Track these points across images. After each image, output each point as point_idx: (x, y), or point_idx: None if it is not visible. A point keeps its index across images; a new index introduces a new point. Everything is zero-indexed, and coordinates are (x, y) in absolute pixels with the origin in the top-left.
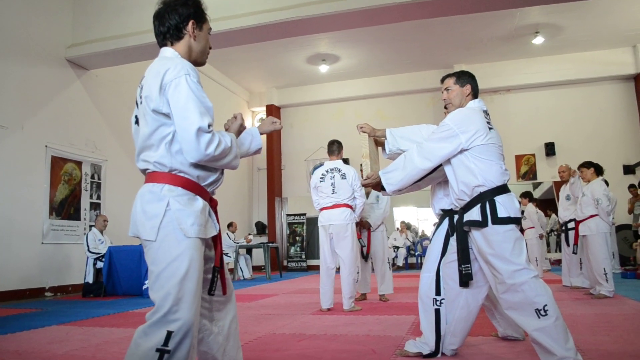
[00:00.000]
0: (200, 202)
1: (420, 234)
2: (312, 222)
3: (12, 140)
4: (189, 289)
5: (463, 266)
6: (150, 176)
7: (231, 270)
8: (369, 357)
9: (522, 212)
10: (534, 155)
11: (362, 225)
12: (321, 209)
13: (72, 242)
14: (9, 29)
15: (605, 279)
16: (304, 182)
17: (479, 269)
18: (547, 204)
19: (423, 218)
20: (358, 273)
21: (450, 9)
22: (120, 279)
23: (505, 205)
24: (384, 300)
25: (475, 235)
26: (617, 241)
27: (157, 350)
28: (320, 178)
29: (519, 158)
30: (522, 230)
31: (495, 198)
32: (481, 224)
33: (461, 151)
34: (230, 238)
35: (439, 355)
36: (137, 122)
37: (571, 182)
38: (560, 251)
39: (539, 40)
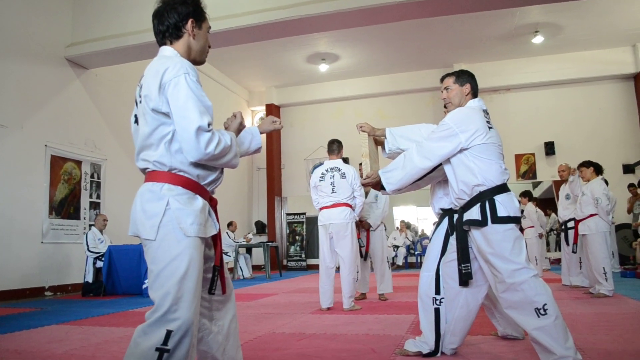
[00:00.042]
0: (200, 201)
1: (420, 233)
2: (312, 222)
3: (11, 139)
4: (189, 288)
5: (463, 265)
6: (150, 175)
7: (231, 270)
8: (369, 356)
9: (522, 211)
10: (533, 154)
11: (363, 226)
12: (321, 208)
13: (72, 241)
14: (9, 28)
15: (605, 278)
16: (304, 181)
17: (478, 268)
18: (547, 203)
19: (423, 217)
20: (358, 272)
21: (450, 8)
22: (120, 278)
23: (505, 205)
24: (383, 300)
25: (475, 235)
26: (617, 240)
27: (157, 349)
28: (320, 177)
29: (518, 157)
30: (521, 230)
31: (495, 197)
32: (481, 223)
33: (461, 150)
34: (230, 237)
35: (439, 354)
36: (136, 121)
37: (570, 180)
38: (559, 250)
39: (538, 39)
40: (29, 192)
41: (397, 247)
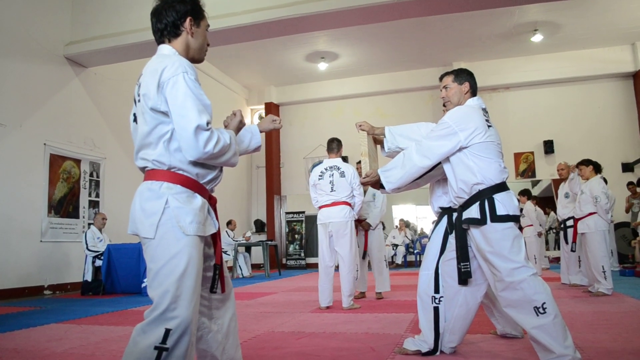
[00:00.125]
0: (199, 199)
1: (419, 232)
2: (311, 220)
3: (10, 138)
4: (188, 286)
5: (462, 264)
6: (149, 174)
7: (230, 269)
8: (368, 355)
9: (521, 210)
10: (532, 153)
11: (363, 227)
12: (320, 207)
13: (71, 240)
14: (8, 26)
15: (604, 277)
16: (303, 180)
17: (477, 266)
18: (546, 202)
19: (422, 216)
20: (357, 271)
21: (449, 7)
22: (119, 277)
23: (504, 203)
24: (379, 298)
25: (474, 233)
26: (616, 239)
27: (156, 348)
28: (319, 176)
29: (517, 156)
30: (520, 228)
31: (494, 196)
32: (480, 222)
33: (460, 149)
34: (229, 236)
35: (438, 353)
36: (135, 120)
37: (570, 177)
38: (559, 249)
39: (537, 37)
40: (28, 191)
41: (396, 245)
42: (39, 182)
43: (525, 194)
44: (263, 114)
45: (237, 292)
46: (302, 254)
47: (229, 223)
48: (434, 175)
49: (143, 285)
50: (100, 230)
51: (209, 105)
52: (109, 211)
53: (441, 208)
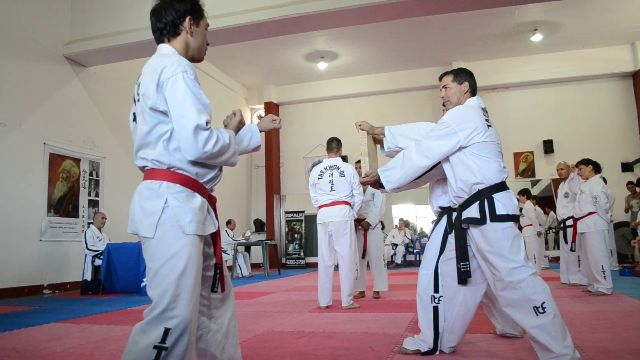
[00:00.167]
0: (198, 199)
1: (418, 232)
2: (311, 220)
3: (10, 137)
4: (187, 286)
5: (461, 264)
6: (149, 173)
7: (230, 268)
8: (368, 354)
9: (520, 209)
10: (532, 152)
11: (362, 226)
12: (320, 207)
13: (71, 239)
14: (7, 26)
15: (604, 277)
16: (303, 179)
17: (477, 266)
18: (546, 202)
19: (421, 215)
20: (357, 270)
21: (449, 6)
22: (118, 276)
23: (504, 203)
24: (376, 297)
25: (474, 233)
26: (615, 238)
27: (155, 347)
28: (319, 175)
29: (517, 155)
30: (520, 228)
31: (493, 195)
32: (479, 222)
33: (460, 149)
34: (228, 235)
35: (437, 352)
36: (135, 119)
37: (571, 177)
38: (558, 248)
39: (537, 37)
40: (28, 190)
41: (396, 245)
42: (39, 181)
43: (524, 193)
44: (262, 114)
45: (237, 292)
46: (302, 254)
47: (228, 222)
48: (434, 174)
49: (142, 284)
50: (99, 229)
51: (208, 105)
52: (108, 210)
53: (441, 207)
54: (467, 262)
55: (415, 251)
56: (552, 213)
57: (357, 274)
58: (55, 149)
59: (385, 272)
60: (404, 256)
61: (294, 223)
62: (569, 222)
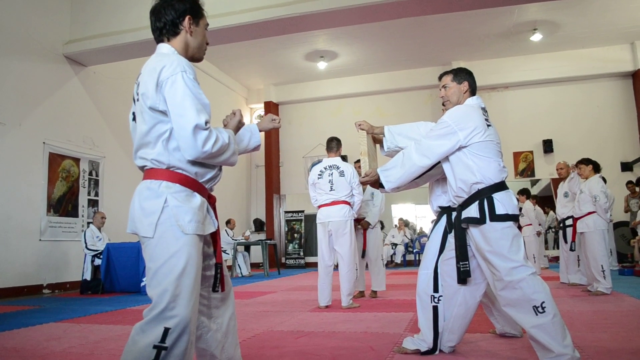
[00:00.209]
0: (198, 198)
1: (418, 231)
2: (311, 219)
3: (9, 137)
4: (187, 285)
5: (461, 263)
6: (148, 173)
7: (229, 268)
8: (367, 354)
9: (520, 209)
10: (531, 152)
11: (362, 226)
12: (319, 206)
13: (70, 239)
14: (7, 25)
15: (603, 276)
16: (302, 179)
17: (476, 266)
18: (545, 201)
19: (421, 215)
20: (357, 270)
21: (449, 6)
22: (118, 276)
23: (503, 203)
24: (373, 297)
25: (473, 233)
26: (615, 238)
27: (155, 347)
28: (319, 175)
29: (516, 155)
30: (519, 228)
31: (493, 195)
32: (479, 221)
33: (459, 148)
34: (228, 235)
35: (437, 352)
36: (134, 119)
37: (570, 176)
38: (558, 248)
39: (537, 37)
40: (27, 190)
41: (396, 245)
42: (38, 181)
43: (524, 193)
44: (262, 113)
45: (237, 291)
46: (302, 253)
47: (228, 222)
48: (433, 174)
49: (142, 284)
50: (99, 229)
51: (208, 105)
52: (108, 210)
53: (440, 207)
54: (467, 262)
55: (414, 251)
56: (551, 213)
57: (357, 274)
58: (55, 149)
59: (384, 272)
60: (404, 256)
61: (294, 223)
62: (569, 222)
